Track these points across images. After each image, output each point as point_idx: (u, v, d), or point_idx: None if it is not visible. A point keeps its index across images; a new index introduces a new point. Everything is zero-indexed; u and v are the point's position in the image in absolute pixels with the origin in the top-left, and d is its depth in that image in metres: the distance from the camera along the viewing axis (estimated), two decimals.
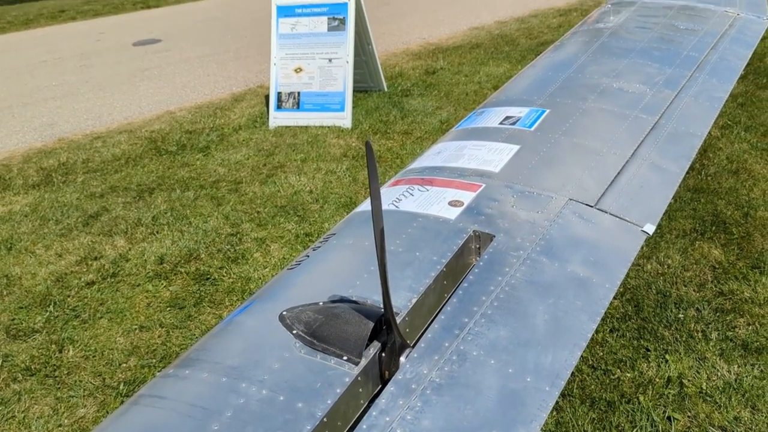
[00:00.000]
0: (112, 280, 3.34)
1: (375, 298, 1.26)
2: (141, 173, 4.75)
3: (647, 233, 1.57)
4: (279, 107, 5.44)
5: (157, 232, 3.79)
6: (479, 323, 1.21)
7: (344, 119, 5.23)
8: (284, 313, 1.23)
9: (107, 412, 2.42)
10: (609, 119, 2.11)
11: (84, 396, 2.54)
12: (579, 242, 1.49)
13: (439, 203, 1.61)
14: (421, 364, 1.11)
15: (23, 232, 3.95)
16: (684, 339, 2.44)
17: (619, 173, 1.78)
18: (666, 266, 2.90)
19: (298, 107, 5.38)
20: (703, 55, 2.69)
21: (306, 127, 5.27)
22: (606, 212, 1.61)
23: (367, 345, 1.14)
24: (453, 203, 1.60)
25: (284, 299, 1.30)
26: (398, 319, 1.21)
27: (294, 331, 1.18)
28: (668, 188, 1.79)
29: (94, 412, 2.45)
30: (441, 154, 1.94)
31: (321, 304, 1.25)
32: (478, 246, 1.49)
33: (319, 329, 1.17)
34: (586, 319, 1.27)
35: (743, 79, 5.01)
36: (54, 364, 2.73)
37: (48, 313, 3.09)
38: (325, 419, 1.01)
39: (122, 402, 1.72)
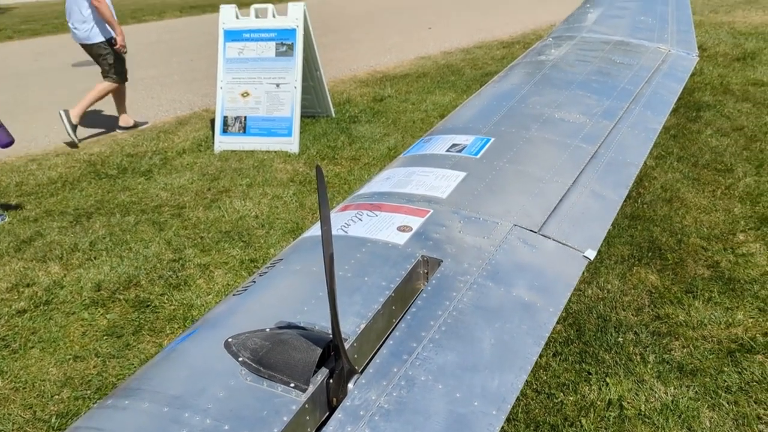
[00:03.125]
0: (45, 308, 3.19)
1: (323, 324, 1.24)
2: (78, 197, 4.59)
3: (588, 258, 1.62)
4: (225, 131, 5.37)
5: (95, 258, 3.66)
6: (427, 348, 1.21)
7: (291, 144, 5.21)
8: (230, 339, 1.20)
9: None
10: (551, 148, 2.18)
11: (13, 430, 2.39)
12: (524, 267, 1.52)
13: (388, 228, 1.61)
14: (369, 390, 1.10)
15: None
16: (623, 362, 2.51)
17: (561, 200, 1.83)
18: (606, 291, 2.99)
19: (244, 132, 5.33)
20: (638, 88, 2.83)
21: (252, 151, 5.23)
22: (549, 238, 1.65)
23: (315, 371, 1.12)
24: (401, 228, 1.61)
25: (230, 325, 1.27)
26: (346, 345, 1.20)
27: (240, 359, 1.15)
28: (607, 215, 1.86)
29: None
30: (390, 179, 1.95)
31: (268, 330, 1.22)
32: (426, 271, 1.50)
33: (266, 356, 1.15)
34: (531, 342, 1.29)
35: (675, 113, 5.27)
36: None
37: None
38: None
39: None
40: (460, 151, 2.11)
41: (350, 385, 1.15)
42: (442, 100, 6.43)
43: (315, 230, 1.68)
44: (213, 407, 1.05)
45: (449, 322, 1.29)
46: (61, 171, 5.15)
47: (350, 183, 4.49)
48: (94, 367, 2.75)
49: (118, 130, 6.22)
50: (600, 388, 2.38)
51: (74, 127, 5.74)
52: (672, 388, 2.36)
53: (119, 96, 6.11)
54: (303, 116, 5.53)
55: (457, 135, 2.25)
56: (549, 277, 1.52)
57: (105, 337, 2.94)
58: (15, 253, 3.77)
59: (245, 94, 5.36)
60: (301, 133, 5.33)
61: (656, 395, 2.33)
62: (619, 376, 2.43)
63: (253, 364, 1.14)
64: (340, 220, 1.70)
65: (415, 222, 1.64)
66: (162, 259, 3.60)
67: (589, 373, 2.46)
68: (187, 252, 3.66)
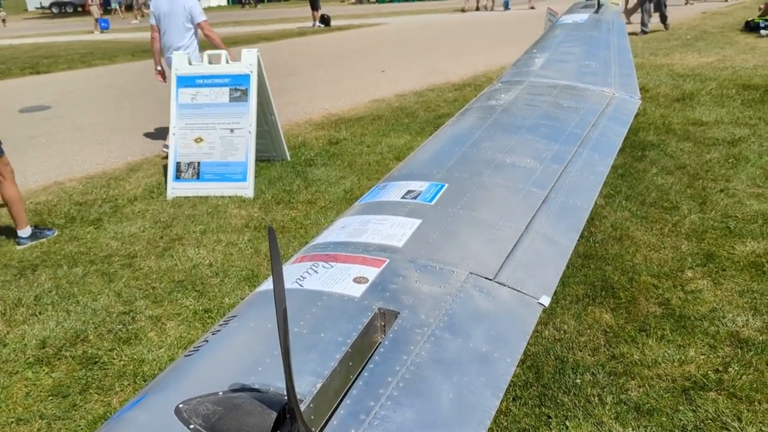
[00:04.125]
0: None
1: (278, 385, 1.21)
2: (23, 249, 4.42)
3: (543, 305, 1.63)
4: (178, 177, 5.30)
5: (40, 313, 3.50)
6: (385, 406, 1.19)
7: (246, 189, 5.17)
8: (180, 405, 1.15)
9: None
10: (503, 193, 2.22)
11: None
12: (480, 316, 1.52)
13: (344, 280, 1.59)
14: None
15: None
16: (582, 404, 2.52)
17: (515, 246, 1.85)
18: (562, 332, 3.02)
19: (198, 177, 5.26)
20: (586, 131, 2.92)
21: (206, 197, 5.16)
22: (504, 285, 1.66)
23: None
24: (357, 280, 1.59)
25: (181, 389, 1.22)
26: (302, 406, 1.17)
27: (191, 426, 1.11)
28: (560, 260, 1.88)
29: None
30: (345, 228, 1.94)
31: (221, 393, 1.18)
32: (383, 323, 1.48)
33: (218, 422, 1.10)
34: (490, 395, 1.28)
35: (622, 152, 5.46)
36: None
37: None
38: None
39: None
40: (415, 197, 2.12)
41: None
42: (397, 142, 6.51)
43: (269, 284, 1.65)
44: None
45: (407, 377, 1.27)
46: (5, 221, 4.96)
47: (306, 227, 4.46)
48: (38, 430, 2.60)
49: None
50: None
51: None
52: (630, 429, 2.37)
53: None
54: (258, 160, 5.51)
55: (412, 181, 2.27)
56: (505, 325, 1.52)
57: (50, 398, 2.79)
58: None
59: (199, 140, 5.32)
60: (256, 177, 5.30)
61: None
62: (579, 419, 2.44)
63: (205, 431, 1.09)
64: (295, 273, 1.67)
65: (372, 272, 1.63)
66: (111, 312, 3.48)
67: (549, 417, 2.46)
68: (138, 304, 3.54)
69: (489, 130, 2.87)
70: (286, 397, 1.17)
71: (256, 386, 1.21)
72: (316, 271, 1.66)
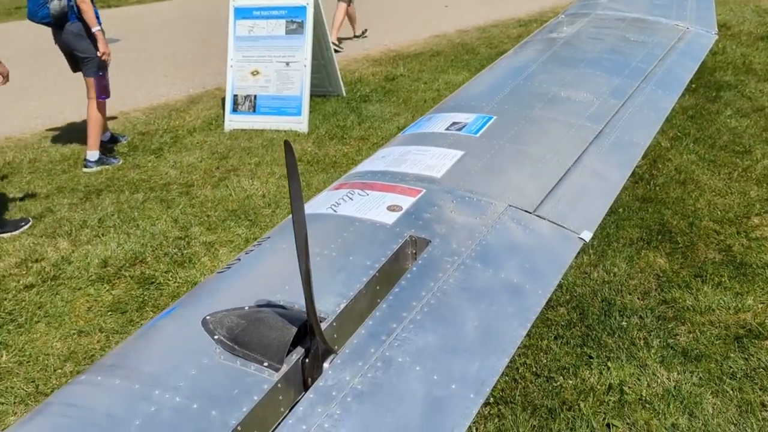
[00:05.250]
0: (53, 283, 3.22)
1: (302, 303, 1.22)
2: (89, 174, 4.61)
3: (584, 240, 1.57)
4: (235, 110, 5.36)
5: (103, 235, 3.68)
6: (407, 329, 1.19)
7: (301, 123, 5.18)
8: (207, 317, 1.19)
9: None
10: (554, 127, 2.13)
11: (15, 403, 2.43)
12: (515, 248, 1.48)
13: (378, 208, 1.58)
14: (344, 371, 1.08)
15: None
16: (626, 347, 2.46)
17: (560, 180, 1.79)
18: (612, 274, 2.94)
19: (254, 110, 5.31)
20: (652, 66, 2.74)
21: (262, 130, 5.21)
22: (544, 218, 1.61)
23: (291, 350, 1.11)
24: (391, 208, 1.58)
25: (210, 304, 1.26)
26: (325, 325, 1.18)
27: (216, 336, 1.14)
28: (608, 196, 1.81)
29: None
30: (385, 158, 1.92)
31: (246, 308, 1.21)
32: (414, 251, 1.47)
33: (241, 334, 1.13)
34: (517, 325, 1.26)
35: (694, 93, 5.14)
36: None
37: None
38: (239, 427, 0.97)
39: None
40: (460, 129, 2.06)
41: (326, 365, 1.13)
42: (455, 79, 6.34)
43: (308, 208, 1.66)
44: (184, 385, 1.03)
45: (432, 303, 1.26)
46: (73, 148, 5.18)
47: (357, 163, 4.43)
48: (97, 342, 2.77)
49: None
50: (601, 372, 2.34)
51: None
52: (675, 373, 2.31)
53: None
54: (313, 95, 5.49)
55: (459, 113, 2.20)
56: (540, 259, 1.48)
57: (109, 313, 2.96)
58: (28, 229, 3.81)
59: (255, 73, 5.33)
60: (310, 112, 5.30)
61: (658, 380, 2.29)
62: (621, 361, 2.39)
63: (228, 342, 1.12)
64: (331, 199, 1.67)
65: (406, 201, 1.60)
66: (168, 236, 3.61)
67: (591, 357, 2.43)
68: (193, 230, 3.67)
69: (546, 63, 2.73)
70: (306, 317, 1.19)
71: (281, 303, 1.23)
72: (351, 198, 1.65)
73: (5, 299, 3.10)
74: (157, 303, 3.01)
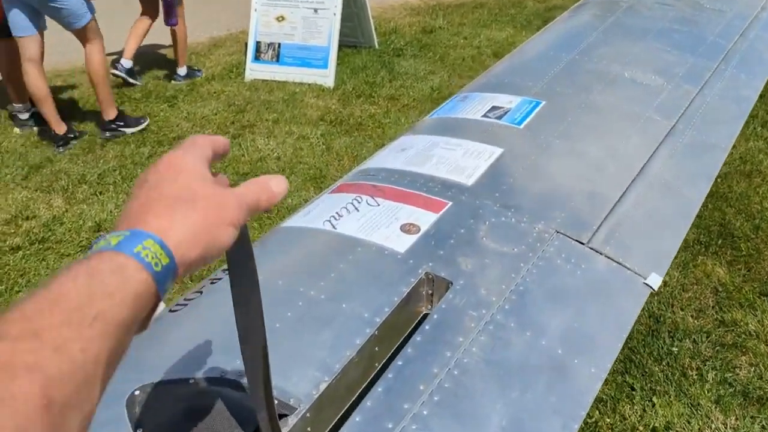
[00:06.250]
0: (40, 246, 2.96)
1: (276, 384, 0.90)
2: (97, 121, 4.31)
3: (651, 288, 1.21)
4: (257, 58, 4.97)
5: (101, 193, 3.40)
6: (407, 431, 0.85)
7: (326, 77, 4.78)
8: (136, 392, 0.87)
9: None
10: (616, 119, 1.73)
11: None
12: (561, 299, 1.12)
13: (389, 226, 1.23)
14: None
15: None
16: (676, 378, 2.11)
17: (622, 196, 1.41)
18: (663, 284, 2.56)
19: (277, 60, 4.91)
20: (731, 42, 2.28)
21: (284, 82, 4.82)
22: (600, 254, 1.24)
23: None
24: (406, 228, 1.22)
25: (146, 364, 0.94)
26: (294, 420, 0.85)
27: (139, 430, 0.82)
28: (682, 221, 1.42)
29: None
30: (405, 151, 1.55)
31: (192, 382, 0.88)
32: (430, 292, 1.12)
33: (174, 430, 0.81)
34: (559, 426, 0.92)
35: None
36: None
37: None
38: None
39: None
40: (500, 116, 1.68)
41: None
42: (498, 35, 5.83)
43: (302, 219, 1.31)
44: None
45: (446, 386, 0.92)
46: (84, 90, 4.87)
47: (384, 127, 4.07)
48: None
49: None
50: (644, 410, 2.00)
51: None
52: (733, 418, 1.96)
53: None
54: (343, 45, 5.07)
55: (501, 94, 1.80)
56: (594, 316, 1.12)
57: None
58: (21, 181, 3.55)
59: (280, 19, 4.91)
60: (338, 64, 4.88)
61: (713, 425, 1.94)
62: (669, 396, 2.05)
63: None
64: (332, 207, 1.32)
65: (426, 219, 1.25)
66: None
67: (633, 389, 2.08)
68: None
69: (607, 32, 2.29)
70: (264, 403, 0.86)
71: (236, 376, 0.90)
72: (356, 209, 1.29)
73: None
74: None
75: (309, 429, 0.87)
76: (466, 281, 1.10)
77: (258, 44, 4.96)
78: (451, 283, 1.09)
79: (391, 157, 1.53)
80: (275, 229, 1.33)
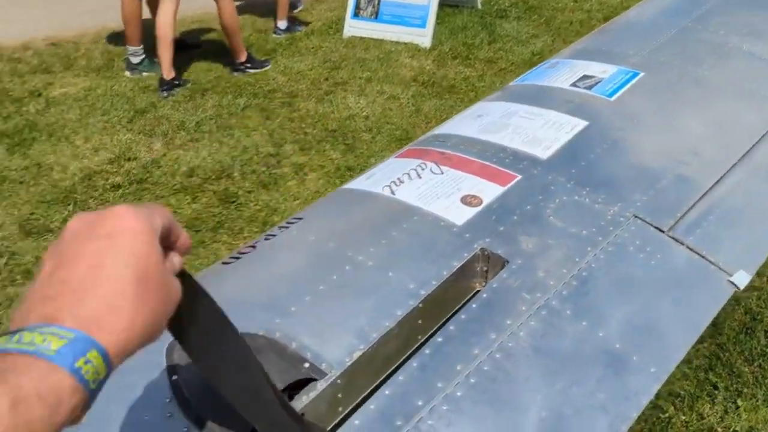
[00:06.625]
0: (138, 186, 3.13)
1: (305, 341, 0.89)
2: (199, 70, 4.46)
3: (736, 286, 1.09)
4: (356, 15, 4.93)
5: (197, 140, 3.53)
6: (437, 412, 0.82)
7: (424, 37, 4.67)
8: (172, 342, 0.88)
9: None
10: (725, 97, 1.57)
11: None
12: (628, 289, 1.04)
13: (450, 196, 1.18)
14: None
15: (69, 119, 3.80)
16: (767, 382, 1.94)
17: (716, 183, 1.27)
18: (765, 278, 2.34)
19: (376, 17, 4.85)
20: None
21: (381, 40, 4.77)
22: (682, 243, 1.13)
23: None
24: (468, 200, 1.17)
25: None
26: (323, 385, 0.84)
27: (174, 377, 0.84)
28: None
29: None
30: (481, 118, 1.48)
31: None
32: (485, 269, 1.07)
33: (203, 384, 0.82)
34: (605, 426, 0.85)
35: None
36: None
37: (67, 213, 2.93)
38: None
39: None
40: (590, 87, 1.56)
41: None
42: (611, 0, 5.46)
43: (363, 182, 1.28)
44: None
45: (485, 369, 0.87)
46: (208, 40, 5.03)
47: (478, 91, 3.94)
48: None
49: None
50: (726, 411, 1.86)
51: None
52: None
53: None
54: (444, 5, 4.93)
55: (595, 62, 1.68)
56: (665, 311, 1.03)
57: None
58: (127, 123, 3.75)
59: None
60: (437, 24, 4.76)
61: None
62: (757, 400, 1.89)
63: (185, 394, 0.81)
64: (395, 171, 1.28)
65: (490, 192, 1.18)
66: (260, 151, 3.39)
67: (716, 388, 1.94)
68: (286, 148, 3.42)
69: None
70: (308, 365, 0.85)
71: (276, 337, 0.90)
72: (419, 175, 1.25)
73: (91, 197, 3.06)
74: (233, 226, 2.83)
75: (339, 395, 0.86)
76: (524, 261, 1.04)
77: (358, 0, 4.92)
78: (507, 262, 1.03)
79: (465, 123, 1.46)
80: (336, 191, 1.32)
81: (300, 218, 1.18)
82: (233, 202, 2.99)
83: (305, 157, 3.33)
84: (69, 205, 2.99)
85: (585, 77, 1.59)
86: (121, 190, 3.10)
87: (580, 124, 1.40)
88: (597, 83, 1.56)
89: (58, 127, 3.70)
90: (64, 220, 2.88)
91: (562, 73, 1.63)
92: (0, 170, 3.25)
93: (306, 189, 3.07)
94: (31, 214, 2.94)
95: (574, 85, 1.56)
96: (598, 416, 0.86)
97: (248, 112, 3.83)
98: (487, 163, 1.26)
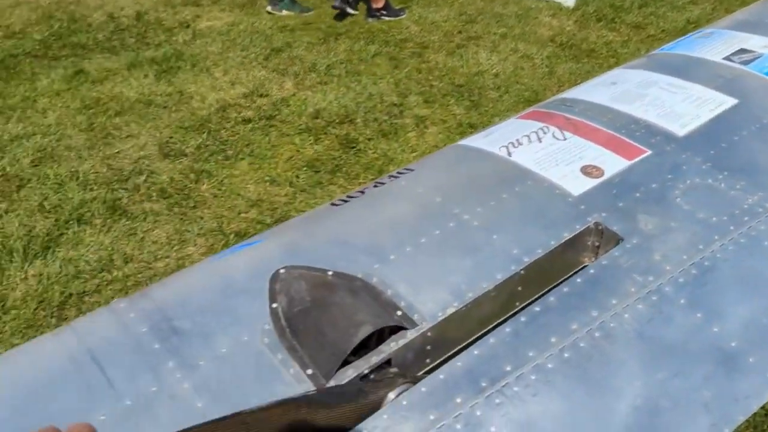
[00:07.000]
0: (267, 122, 3.27)
1: (400, 290, 0.90)
2: (334, 13, 4.51)
3: None
4: None
5: (325, 83, 3.61)
6: (525, 380, 0.80)
7: None
8: (281, 271, 0.93)
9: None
10: None
11: (197, 235, 2.56)
12: (757, 287, 0.95)
13: (570, 164, 1.13)
14: (406, 419, 0.76)
15: (211, 52, 4.01)
16: None
17: None
18: None
19: None
20: None
21: None
22: None
23: (351, 361, 0.81)
24: (588, 170, 1.11)
25: (299, 249, 0.99)
26: (414, 334, 0.85)
27: (274, 305, 0.88)
28: None
29: (200, 254, 2.46)
30: (615, 86, 1.38)
31: (330, 274, 0.92)
32: (596, 244, 1.02)
33: (299, 316, 0.85)
34: (706, 426, 0.80)
35: None
36: (186, 194, 2.78)
37: (201, 140, 3.13)
38: None
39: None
40: (747, 62, 1.41)
41: (391, 395, 0.82)
42: None
43: (481, 140, 1.26)
44: (205, 363, 0.81)
45: (581, 346, 0.84)
46: None
47: (619, 57, 3.70)
48: (284, 195, 2.77)
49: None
50: None
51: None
52: None
53: None
54: None
55: (757, 35, 1.51)
56: None
57: (304, 168, 2.92)
58: (263, 61, 3.90)
59: None
60: None
61: None
62: None
63: (282, 320, 0.85)
64: (515, 132, 1.24)
65: (614, 164, 1.12)
66: (384, 100, 3.41)
67: None
68: (410, 99, 3.41)
69: None
70: (400, 314, 0.87)
71: (374, 281, 0.91)
72: (539, 139, 1.20)
73: (223, 128, 3.23)
74: (350, 170, 2.89)
75: (428, 348, 0.86)
76: (640, 241, 0.98)
77: None
78: (622, 240, 0.98)
79: (597, 89, 1.38)
80: (451, 146, 1.30)
81: (411, 169, 1.18)
82: (353, 147, 3.05)
83: (428, 109, 3.31)
84: (203, 133, 3.18)
85: (742, 51, 1.45)
86: (251, 124, 3.25)
87: (728, 101, 1.28)
88: (755, 59, 1.41)
89: (200, 58, 3.92)
90: (198, 147, 3.08)
91: (716, 44, 1.49)
92: (148, 94, 3.51)
93: (425, 142, 3.06)
94: (170, 137, 3.16)
95: (727, 58, 1.42)
96: (699, 414, 0.80)
97: (378, 59, 3.85)
98: (615, 133, 1.19)
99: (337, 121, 3.26)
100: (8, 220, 2.59)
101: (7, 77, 3.72)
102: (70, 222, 2.57)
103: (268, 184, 2.83)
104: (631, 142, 1.17)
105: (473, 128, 3.11)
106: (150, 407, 0.75)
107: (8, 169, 2.90)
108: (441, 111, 3.30)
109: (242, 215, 2.66)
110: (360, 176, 2.85)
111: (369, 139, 3.09)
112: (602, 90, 1.37)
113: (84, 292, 2.27)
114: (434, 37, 4.10)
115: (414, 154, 2.97)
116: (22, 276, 2.32)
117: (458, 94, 3.44)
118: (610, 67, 3.53)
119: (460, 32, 4.15)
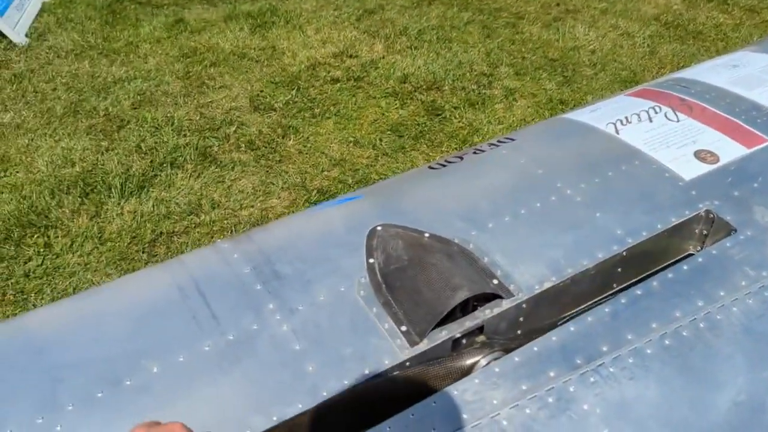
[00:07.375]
0: (354, 84, 3.28)
1: (496, 258, 0.89)
2: None
3: None
4: None
5: (415, 48, 3.57)
6: (622, 362, 0.79)
7: None
8: (378, 228, 0.94)
9: (292, 211, 2.47)
10: None
11: (281, 188, 2.62)
12: None
13: (682, 147, 1.08)
14: (496, 387, 0.76)
15: (305, 9, 4.04)
16: None
17: None
18: None
19: None
20: None
21: None
22: None
23: (442, 324, 0.81)
24: (702, 155, 1.06)
25: (397, 207, 1.00)
26: (509, 305, 0.84)
27: (371, 260, 0.89)
28: None
29: (282, 207, 2.52)
30: (736, 69, 1.31)
31: (426, 236, 0.92)
32: (705, 233, 0.98)
33: (396, 273, 0.86)
34: None
35: None
36: (272, 147, 2.84)
37: (290, 96, 3.17)
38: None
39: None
40: None
41: (482, 361, 0.82)
42: None
43: (586, 115, 1.22)
44: (304, 308, 0.83)
45: (684, 335, 0.82)
46: None
47: (728, 41, 3.47)
48: (366, 157, 2.78)
49: None
50: None
51: None
52: None
53: None
54: None
55: None
56: None
57: (388, 132, 2.92)
58: (355, 21, 3.89)
59: None
60: None
61: None
62: None
63: (377, 277, 0.87)
64: (624, 109, 1.20)
65: (731, 151, 1.06)
66: (474, 69, 3.35)
67: None
68: (501, 70, 3.33)
69: None
70: (495, 281, 0.86)
71: (470, 247, 0.91)
72: (650, 119, 1.15)
73: (312, 86, 3.26)
74: (434, 138, 2.87)
75: (521, 319, 0.86)
76: (755, 234, 0.93)
77: None
78: (735, 231, 0.93)
79: (716, 71, 1.31)
80: (555, 118, 1.26)
81: (512, 139, 1.15)
82: (438, 114, 3.02)
83: (518, 82, 3.22)
84: (293, 89, 3.22)
85: None
86: (339, 84, 3.27)
87: None
88: None
89: (294, 15, 3.95)
90: (287, 103, 3.13)
91: None
92: (242, 47, 3.58)
93: (512, 115, 2.99)
94: (261, 91, 3.23)
95: None
96: None
97: (470, 27, 3.77)
98: (734, 119, 1.13)
99: (424, 87, 3.23)
100: (108, 157, 2.72)
101: (113, 21, 3.88)
102: (164, 165, 2.68)
103: (351, 144, 2.85)
104: (752, 129, 1.10)
105: (564, 105, 3.02)
106: (251, 344, 0.78)
107: (110, 109, 3.04)
108: (531, 84, 3.21)
109: (325, 173, 2.70)
110: (443, 144, 2.83)
111: (455, 108, 3.05)
112: (722, 72, 1.30)
113: (173, 232, 2.37)
114: (530, 8, 3.97)
115: (500, 126, 2.91)
116: (119, 211, 2.45)
117: (551, 68, 3.33)
118: (717, 51, 3.34)
119: (558, 4, 4.00)
